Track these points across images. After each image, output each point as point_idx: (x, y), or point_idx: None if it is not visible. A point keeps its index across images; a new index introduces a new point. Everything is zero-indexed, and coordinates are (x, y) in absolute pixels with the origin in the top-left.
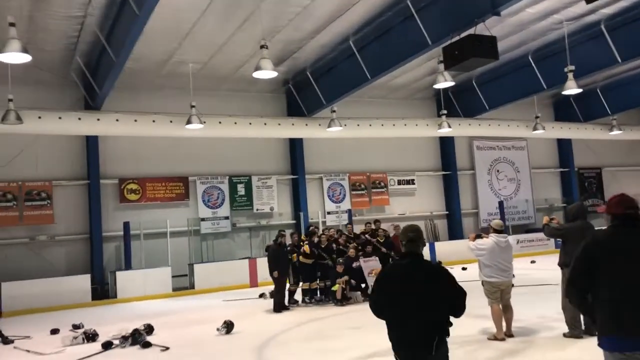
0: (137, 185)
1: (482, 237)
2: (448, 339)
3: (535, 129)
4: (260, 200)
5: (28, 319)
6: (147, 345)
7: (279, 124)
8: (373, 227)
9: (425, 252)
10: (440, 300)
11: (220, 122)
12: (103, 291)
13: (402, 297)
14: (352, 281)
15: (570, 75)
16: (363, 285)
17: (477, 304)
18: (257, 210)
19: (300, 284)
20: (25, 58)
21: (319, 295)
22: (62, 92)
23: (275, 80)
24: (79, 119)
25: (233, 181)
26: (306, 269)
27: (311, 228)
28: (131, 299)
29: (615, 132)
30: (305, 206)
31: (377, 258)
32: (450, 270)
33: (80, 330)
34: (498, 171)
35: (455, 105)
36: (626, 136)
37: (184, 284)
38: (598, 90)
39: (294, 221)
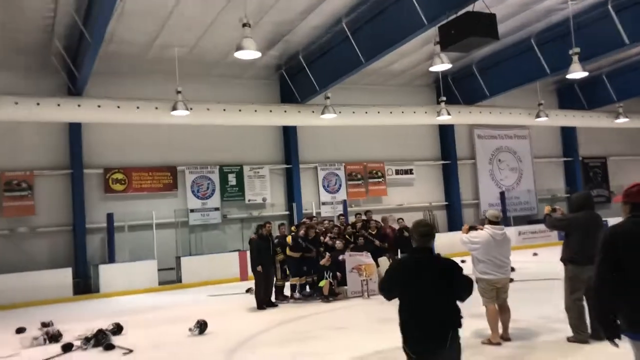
0: (122, 175)
1: (476, 229)
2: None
3: (538, 116)
4: (253, 190)
5: (2, 315)
6: (109, 347)
7: (271, 111)
8: (364, 218)
9: None
10: (453, 293)
11: (208, 109)
12: (86, 285)
13: (416, 292)
14: (338, 274)
15: (576, 58)
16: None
17: (470, 302)
18: (249, 201)
19: (289, 278)
20: None
21: (308, 289)
22: (44, 78)
23: (268, 66)
24: (58, 105)
25: (224, 171)
26: (293, 263)
27: (305, 220)
28: (114, 294)
29: (622, 120)
30: (299, 197)
31: (368, 253)
32: None
33: (43, 331)
34: (499, 160)
35: (455, 92)
36: (633, 124)
37: (171, 278)
38: (604, 76)
39: (287, 212)
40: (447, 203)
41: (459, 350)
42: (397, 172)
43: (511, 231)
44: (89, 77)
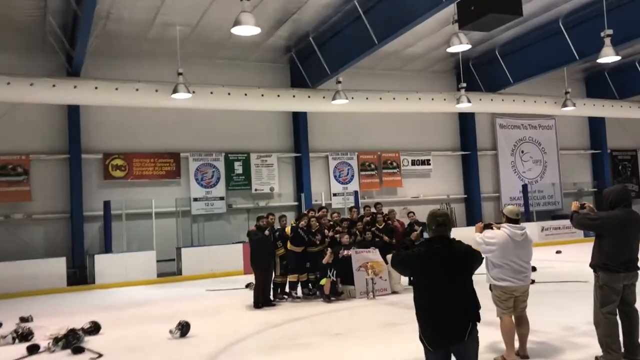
0: (123, 161)
1: (492, 228)
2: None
3: (564, 105)
4: (260, 179)
5: None
6: (78, 350)
7: (278, 96)
8: (374, 211)
9: None
10: (471, 282)
11: (211, 93)
12: (82, 276)
13: (434, 282)
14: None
15: (608, 40)
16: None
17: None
18: (256, 190)
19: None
20: None
21: (310, 288)
22: (42, 59)
23: (276, 48)
24: (53, 85)
25: (229, 158)
26: (294, 258)
27: (311, 211)
28: (110, 285)
29: None
30: (308, 187)
31: (376, 249)
32: None
33: (19, 327)
34: (522, 152)
35: (476, 79)
36: None
37: (171, 270)
38: (637, 64)
39: (295, 203)
40: (465, 196)
41: (477, 345)
42: (413, 163)
43: (533, 227)
44: (84, 57)
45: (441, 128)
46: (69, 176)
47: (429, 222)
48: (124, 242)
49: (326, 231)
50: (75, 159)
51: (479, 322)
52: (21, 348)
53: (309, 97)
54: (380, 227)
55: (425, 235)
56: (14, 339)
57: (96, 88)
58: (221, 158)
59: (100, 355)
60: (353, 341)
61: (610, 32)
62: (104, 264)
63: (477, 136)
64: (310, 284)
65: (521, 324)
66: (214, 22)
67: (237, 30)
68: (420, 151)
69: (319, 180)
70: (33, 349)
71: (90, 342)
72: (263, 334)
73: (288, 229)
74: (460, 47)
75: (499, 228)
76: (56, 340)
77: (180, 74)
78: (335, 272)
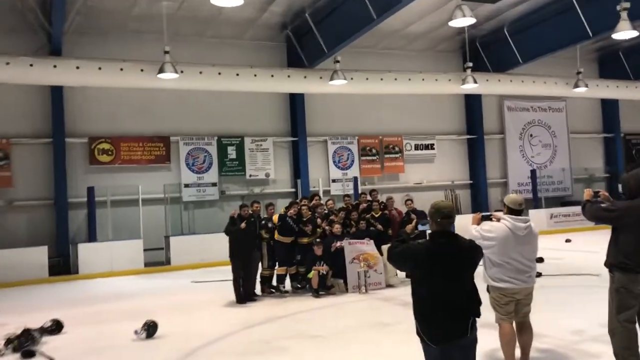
0: (109, 145)
1: (491, 219)
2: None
3: (576, 86)
4: (254, 165)
5: None
6: (28, 355)
7: (272, 76)
8: (369, 198)
9: None
10: (473, 277)
11: (201, 72)
12: (65, 266)
13: (439, 279)
14: (321, 268)
15: (624, 14)
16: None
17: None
18: (250, 176)
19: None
20: None
21: (299, 281)
22: (24, 39)
23: (271, 25)
24: (31, 65)
25: (223, 142)
26: (282, 248)
27: (303, 199)
28: (94, 276)
29: None
30: (305, 173)
31: (370, 241)
32: None
33: None
34: (531, 136)
35: (483, 59)
36: None
37: (159, 259)
38: None
39: (292, 190)
40: (471, 182)
41: (476, 342)
42: (417, 147)
43: (542, 214)
44: (61, 34)
45: (446, 111)
46: (52, 161)
47: (432, 215)
48: (109, 230)
49: (319, 221)
50: (59, 143)
51: (479, 317)
52: None
53: (305, 77)
54: (377, 215)
55: (421, 227)
56: None
57: (77, 68)
58: (214, 142)
59: None
60: (334, 345)
61: (627, 4)
62: (87, 253)
63: (483, 119)
64: (300, 277)
65: (523, 332)
66: None
67: (217, 1)
68: (424, 135)
69: (317, 166)
70: None
71: (48, 343)
72: (237, 335)
73: (276, 217)
74: (464, 20)
75: (498, 220)
76: (8, 341)
77: (166, 52)
78: (324, 264)
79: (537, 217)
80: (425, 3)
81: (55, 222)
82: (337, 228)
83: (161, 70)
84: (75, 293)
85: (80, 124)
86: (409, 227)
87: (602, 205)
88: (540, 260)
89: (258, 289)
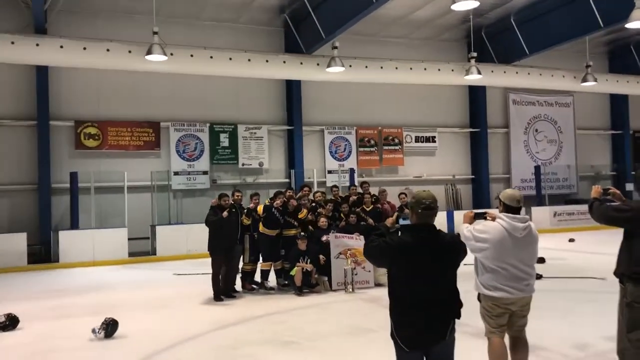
0: (96, 130)
1: (485, 218)
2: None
3: (585, 80)
4: (248, 153)
5: None
6: None
7: (267, 61)
8: (360, 190)
9: (443, 222)
10: (455, 275)
11: (192, 56)
12: (47, 254)
13: (418, 277)
14: (321, 256)
15: (639, 2)
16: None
17: (470, 321)
18: (243, 165)
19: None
20: None
21: (283, 278)
22: (10, 16)
23: (267, 9)
24: (12, 43)
25: (215, 129)
26: (266, 242)
27: (287, 192)
28: (74, 265)
29: None
30: (300, 163)
31: (361, 236)
32: None
33: None
34: (537, 131)
35: (489, 49)
36: None
37: (145, 249)
38: None
39: (286, 180)
40: (473, 176)
41: (454, 342)
42: (417, 140)
43: (545, 212)
44: (49, 12)
45: (449, 102)
46: (36, 144)
47: (413, 205)
48: (92, 218)
49: (305, 211)
50: (43, 126)
51: (459, 319)
52: None
53: (301, 63)
54: (368, 209)
55: (402, 221)
56: None
57: (61, 47)
58: (205, 129)
59: None
60: (307, 353)
61: None
62: (69, 241)
63: (487, 112)
64: (283, 274)
65: (517, 348)
66: None
67: None
68: (425, 127)
69: (313, 156)
70: None
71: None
72: (203, 338)
73: (260, 208)
74: (467, 3)
75: (493, 219)
76: None
77: (155, 32)
78: (308, 260)
79: (540, 215)
80: None
81: (37, 208)
82: (322, 221)
83: (149, 52)
84: (49, 284)
85: (66, 107)
86: (389, 221)
87: (613, 204)
88: (541, 260)
89: (239, 285)
